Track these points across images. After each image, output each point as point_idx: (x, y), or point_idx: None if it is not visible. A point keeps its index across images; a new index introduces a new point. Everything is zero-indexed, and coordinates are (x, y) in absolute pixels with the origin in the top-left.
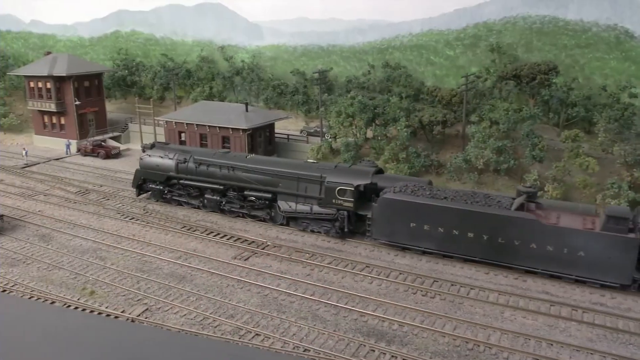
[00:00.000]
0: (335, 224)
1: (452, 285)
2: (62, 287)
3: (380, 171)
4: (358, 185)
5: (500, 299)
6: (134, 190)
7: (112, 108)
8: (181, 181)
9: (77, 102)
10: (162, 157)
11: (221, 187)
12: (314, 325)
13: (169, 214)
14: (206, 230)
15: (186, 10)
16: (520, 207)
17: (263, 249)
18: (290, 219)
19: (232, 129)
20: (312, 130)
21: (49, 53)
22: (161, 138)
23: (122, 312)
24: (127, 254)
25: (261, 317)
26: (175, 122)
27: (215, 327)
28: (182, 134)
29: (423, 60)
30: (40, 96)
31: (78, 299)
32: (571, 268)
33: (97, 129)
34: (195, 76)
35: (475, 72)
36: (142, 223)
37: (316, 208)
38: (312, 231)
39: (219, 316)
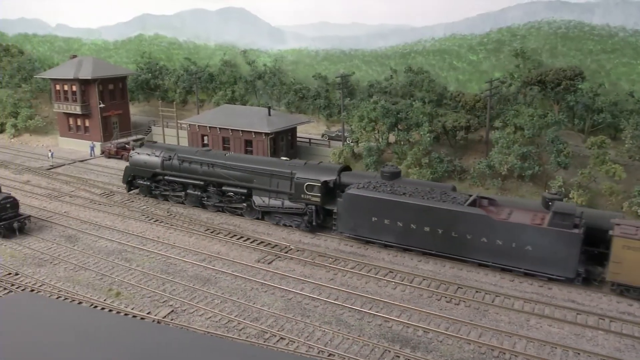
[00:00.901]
0: (304, 218)
1: (477, 292)
2: (89, 287)
3: (347, 168)
4: (325, 181)
5: (525, 306)
6: (124, 185)
7: (135, 111)
8: (166, 177)
9: (102, 105)
10: (149, 155)
11: (202, 183)
12: (339, 329)
13: (193, 216)
14: (229, 233)
15: (209, 15)
16: (473, 203)
17: (286, 252)
18: (265, 213)
19: (254, 132)
20: (333, 135)
21: (74, 56)
22: (184, 141)
23: (147, 313)
24: (152, 255)
25: (285, 321)
26: (199, 126)
27: (240, 330)
28: (205, 137)
29: (446, 65)
30: (66, 99)
31: (104, 300)
32: (520, 261)
33: (121, 131)
34: (218, 80)
35: (499, 77)
36: (166, 225)
37: (287, 203)
38: (285, 225)
39: (244, 319)
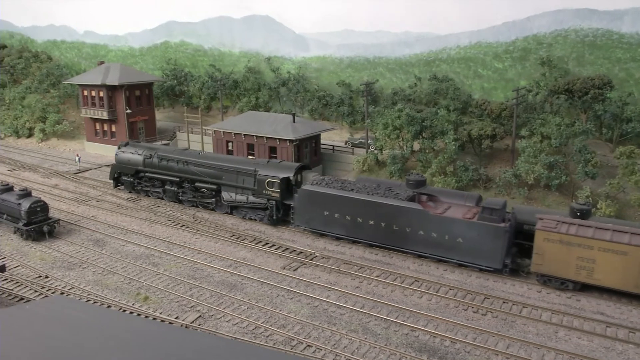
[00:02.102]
0: (266, 212)
1: (504, 302)
2: (117, 291)
3: (306, 167)
4: (283, 178)
5: (553, 318)
6: (111, 182)
7: (160, 117)
8: (147, 174)
9: (128, 111)
10: (132, 153)
11: (177, 179)
12: (365, 338)
13: (218, 222)
14: (254, 239)
15: (234, 22)
16: (412, 199)
17: (311, 259)
18: (233, 208)
19: (279, 139)
20: (357, 142)
21: (102, 63)
22: (209, 147)
23: (175, 318)
24: (179, 260)
25: (312, 329)
26: (223, 132)
27: (267, 336)
28: (230, 144)
29: (471, 73)
30: (93, 104)
31: (133, 304)
32: (453, 253)
33: (147, 136)
34: (242, 86)
35: (525, 86)
36: (192, 230)
37: (251, 198)
38: (250, 219)
39: (271, 326)
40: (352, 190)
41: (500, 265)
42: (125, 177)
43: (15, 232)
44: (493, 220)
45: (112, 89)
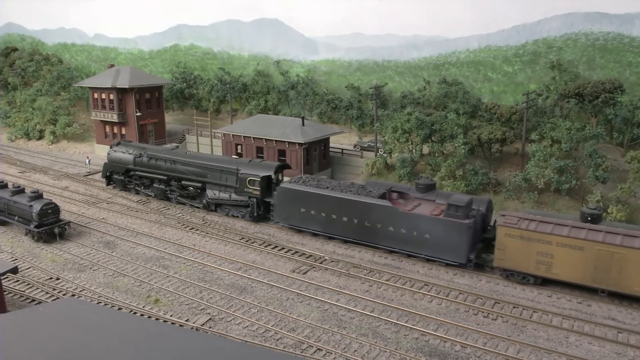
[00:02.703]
0: (248, 209)
1: (514, 307)
2: (128, 294)
3: (286, 166)
4: (263, 176)
5: (564, 323)
6: (104, 180)
7: (170, 119)
8: (137, 172)
9: (138, 113)
10: (123, 153)
11: (165, 178)
12: (375, 342)
13: (227, 225)
14: (264, 242)
15: (244, 26)
16: (383, 196)
17: (321, 263)
18: (217, 206)
19: (288, 142)
20: (365, 145)
21: (112, 66)
22: (218, 150)
23: (186, 320)
24: (189, 263)
25: (322, 332)
26: (233, 135)
27: (277, 339)
28: (239, 147)
29: (480, 77)
30: (103, 107)
31: (143, 307)
32: (421, 248)
33: (156, 139)
34: (251, 90)
35: (535, 90)
36: (201, 233)
37: (234, 196)
38: (233, 216)
39: (281, 329)
40: (327, 188)
41: (465, 260)
42: (116, 175)
43: (26, 234)
44: (457, 217)
45: (122, 92)
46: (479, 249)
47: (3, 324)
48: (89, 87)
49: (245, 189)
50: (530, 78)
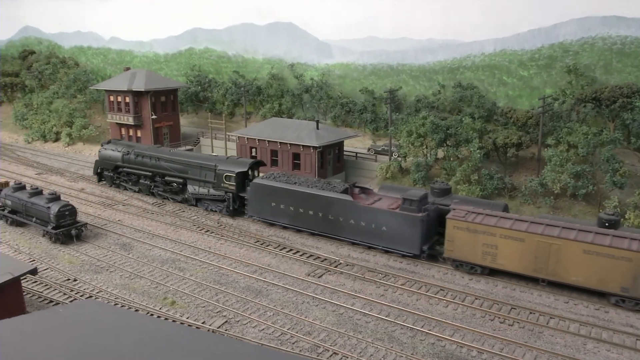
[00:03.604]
0: (225, 204)
1: (531, 313)
2: (144, 295)
3: (261, 163)
4: (238, 172)
5: (581, 329)
6: (95, 176)
7: (184, 122)
8: (125, 169)
9: (154, 116)
10: (112, 150)
11: (150, 174)
12: (391, 347)
13: (242, 227)
14: (279, 245)
15: (258, 29)
16: (345, 191)
17: (336, 267)
18: (198, 200)
19: (303, 146)
20: (379, 148)
21: (128, 69)
22: (233, 153)
23: (202, 323)
24: (205, 266)
25: (338, 336)
26: (247, 138)
27: (293, 343)
28: (253, 150)
29: (495, 81)
30: (119, 109)
31: (160, 309)
32: (379, 240)
33: (171, 142)
34: (265, 93)
35: (551, 94)
36: (216, 236)
37: (212, 191)
38: (211, 210)
39: (297, 332)
40: (295, 183)
41: (418, 251)
42: (106, 172)
43: (44, 235)
44: (411, 211)
45: (138, 95)
46: (434, 241)
47: (23, 326)
48: (105, 90)
49: (222, 184)
50: (546, 82)
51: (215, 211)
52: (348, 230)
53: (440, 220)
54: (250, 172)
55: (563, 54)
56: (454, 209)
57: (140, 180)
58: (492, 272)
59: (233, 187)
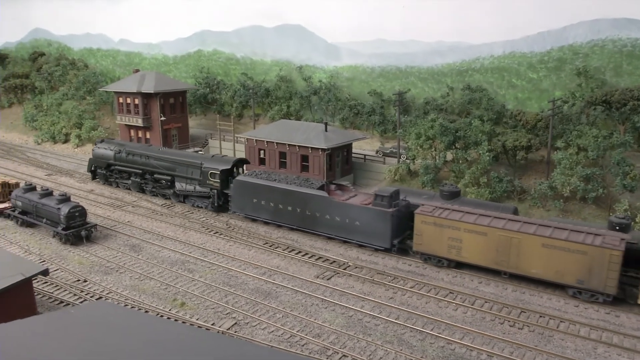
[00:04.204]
0: (210, 200)
1: (541, 316)
2: (154, 297)
3: (245, 161)
4: (222, 170)
5: (592, 333)
6: (89, 174)
7: (192, 124)
8: (117, 167)
9: (163, 118)
10: (105, 149)
11: (140, 172)
12: (401, 350)
13: (251, 229)
14: (288, 247)
15: (267, 31)
16: (321, 188)
17: (344, 269)
18: (185, 197)
19: (311, 148)
20: (388, 151)
21: (137, 71)
22: (241, 154)
23: (212, 324)
24: (214, 267)
25: (347, 339)
26: (256, 140)
27: (303, 345)
28: (262, 152)
29: (504, 83)
30: (129, 111)
31: (169, 310)
32: (353, 234)
33: (180, 143)
34: (274, 95)
35: (561, 96)
36: (225, 237)
37: (198, 187)
38: (198, 206)
39: (306, 334)
40: (275, 180)
41: (389, 245)
42: (100, 169)
43: (54, 236)
44: (382, 206)
45: (147, 97)
46: (406, 235)
47: (36, 327)
48: (115, 92)
49: (207, 181)
50: (556, 85)
51: (202, 207)
52: (324, 225)
53: (411, 216)
54: (235, 170)
55: (573, 56)
56: (422, 204)
57: (131, 178)
58: (459, 265)
59: (217, 184)
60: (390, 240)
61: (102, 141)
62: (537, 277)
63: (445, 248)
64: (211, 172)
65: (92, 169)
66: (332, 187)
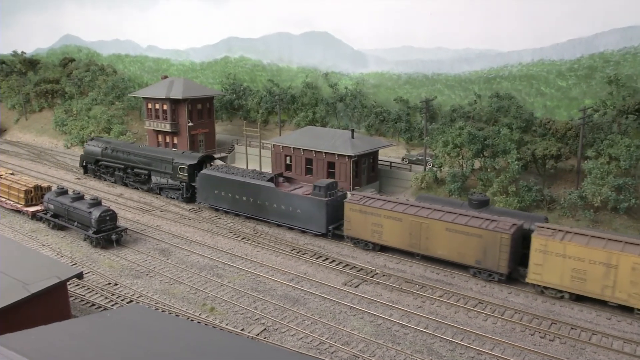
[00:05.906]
0: (180, 192)
1: (572, 328)
2: (184, 301)
3: (210, 157)
4: (190, 164)
5: (625, 347)
6: (81, 169)
7: (219, 130)
8: (103, 162)
9: (190, 124)
10: (94, 146)
11: (123, 166)
12: (431, 359)
13: (278, 236)
14: (315, 254)
15: (293, 38)
16: (270, 179)
17: (372, 277)
18: (160, 189)
19: (338, 155)
20: (414, 158)
21: (166, 77)
22: (267, 161)
23: (241, 330)
24: (242, 273)
25: (376, 347)
26: (282, 146)
27: (332, 353)
28: (288, 158)
29: (533, 91)
30: (157, 117)
31: (199, 315)
32: (296, 221)
33: (206, 149)
34: (299, 101)
35: (592, 105)
36: (252, 243)
37: (170, 181)
38: (171, 197)
39: (335, 342)
40: (232, 173)
41: (325, 230)
42: (90, 165)
43: (85, 239)
44: (319, 195)
45: (175, 102)
46: (340, 222)
47: (74, 330)
48: (144, 97)
49: (177, 175)
50: (586, 93)
51: (174, 198)
52: (272, 213)
53: None
54: (204, 165)
55: (604, 64)
56: (353, 194)
57: (115, 172)
58: (383, 249)
59: (186, 178)
60: (326, 226)
61: (92, 139)
62: (443, 257)
63: (370, 233)
64: (180, 167)
65: (84, 164)
66: (281, 179)
